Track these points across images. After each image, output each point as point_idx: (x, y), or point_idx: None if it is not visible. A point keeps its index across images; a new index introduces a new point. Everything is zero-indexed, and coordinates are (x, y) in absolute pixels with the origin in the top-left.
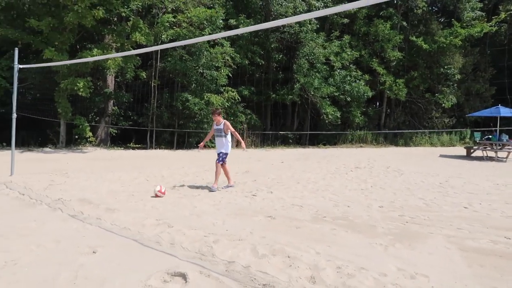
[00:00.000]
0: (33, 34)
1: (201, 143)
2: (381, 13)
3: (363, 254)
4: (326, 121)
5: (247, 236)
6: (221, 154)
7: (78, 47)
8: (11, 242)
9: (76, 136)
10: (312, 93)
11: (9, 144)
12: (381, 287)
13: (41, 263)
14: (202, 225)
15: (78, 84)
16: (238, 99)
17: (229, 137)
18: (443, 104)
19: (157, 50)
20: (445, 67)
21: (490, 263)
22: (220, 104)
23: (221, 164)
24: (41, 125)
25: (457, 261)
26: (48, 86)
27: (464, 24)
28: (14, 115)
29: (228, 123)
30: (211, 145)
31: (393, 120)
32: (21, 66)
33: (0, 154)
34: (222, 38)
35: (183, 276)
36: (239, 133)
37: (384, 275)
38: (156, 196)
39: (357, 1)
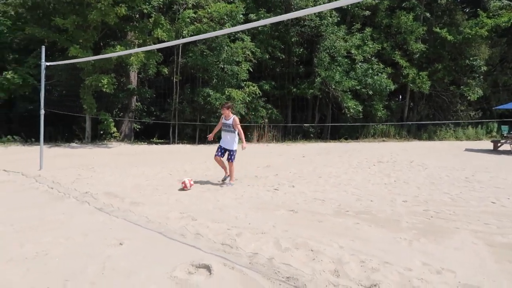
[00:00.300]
0: (58, 32)
1: (210, 135)
2: (404, 4)
3: (387, 249)
4: (348, 115)
5: (269, 229)
6: (232, 153)
7: (101, 44)
8: (42, 234)
9: (101, 132)
10: (334, 87)
11: (37, 140)
12: (407, 281)
13: (70, 255)
14: (225, 218)
15: (102, 81)
16: (259, 93)
17: (237, 133)
18: (469, 97)
19: (178, 46)
20: (471, 58)
21: None
22: (241, 98)
23: (232, 162)
24: (67, 121)
25: (485, 257)
26: (73, 82)
27: (491, 14)
28: (42, 112)
29: (237, 119)
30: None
31: (416, 114)
32: (47, 64)
33: (29, 149)
34: (242, 32)
35: (208, 268)
36: (260, 127)
37: (409, 269)
38: (184, 186)
39: None
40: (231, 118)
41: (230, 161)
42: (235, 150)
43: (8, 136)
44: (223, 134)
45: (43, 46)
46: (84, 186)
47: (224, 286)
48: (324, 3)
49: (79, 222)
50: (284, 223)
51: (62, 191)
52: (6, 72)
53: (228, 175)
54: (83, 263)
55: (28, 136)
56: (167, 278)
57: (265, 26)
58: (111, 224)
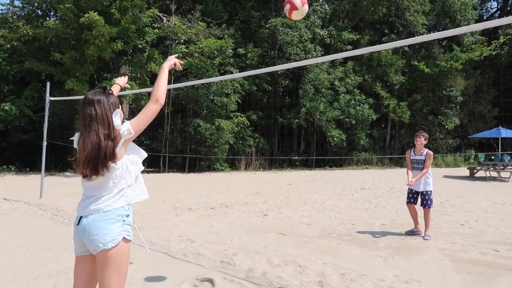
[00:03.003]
0: (55, 66)
1: (411, 181)
2: (383, 38)
3: (365, 264)
4: (332, 144)
5: (262, 249)
6: (428, 195)
7: (95, 76)
8: (59, 254)
9: None
10: (318, 116)
11: (32, 169)
12: None
13: None
14: (221, 240)
15: None
16: (247, 123)
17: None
18: (446, 126)
19: (170, 79)
20: (447, 89)
21: (477, 271)
22: (230, 128)
23: (429, 208)
24: (61, 151)
25: (448, 270)
26: (68, 113)
27: (464, 48)
28: (45, 143)
29: (431, 153)
30: (220, 168)
31: (398, 142)
32: (52, 99)
33: (25, 178)
34: (231, 66)
35: (211, 281)
36: (248, 156)
37: (382, 280)
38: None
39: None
40: (424, 152)
41: (427, 207)
42: (431, 192)
43: (4, 166)
44: (415, 174)
45: (48, 82)
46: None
47: None
48: (308, 38)
49: None
50: (274, 244)
51: (67, 218)
52: (4, 104)
53: (419, 231)
54: None
55: (21, 165)
56: None
57: (253, 59)
58: None
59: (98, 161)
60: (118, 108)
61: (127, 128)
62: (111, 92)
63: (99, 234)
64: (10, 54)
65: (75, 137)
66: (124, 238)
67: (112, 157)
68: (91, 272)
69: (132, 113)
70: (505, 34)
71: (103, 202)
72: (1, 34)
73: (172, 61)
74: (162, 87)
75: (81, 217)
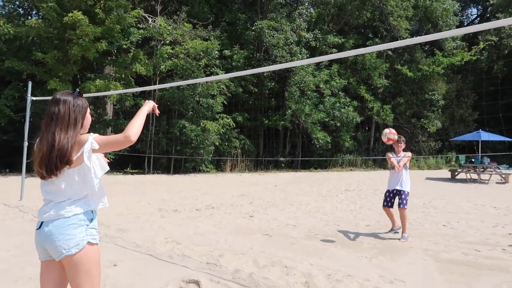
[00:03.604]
0: (36, 65)
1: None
2: (368, 42)
3: (350, 265)
4: (317, 146)
5: (248, 251)
6: (405, 195)
7: (78, 76)
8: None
9: None
10: (303, 119)
11: (11, 171)
12: None
13: None
14: (207, 242)
15: None
16: (232, 125)
17: (408, 171)
18: (428, 129)
19: (156, 80)
20: (429, 93)
21: (459, 271)
22: (215, 130)
23: (405, 208)
24: None
25: (431, 270)
26: None
27: (446, 53)
28: (26, 143)
29: (409, 153)
30: (206, 169)
31: (381, 144)
32: (34, 99)
33: (5, 180)
34: (217, 68)
35: (197, 283)
36: (233, 158)
37: (368, 280)
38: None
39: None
40: (402, 154)
41: (402, 206)
42: (408, 193)
43: None
44: (393, 174)
45: (30, 82)
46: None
47: None
48: (293, 41)
49: None
50: (260, 245)
51: None
52: None
53: (399, 227)
54: None
55: (1, 166)
56: None
57: (239, 61)
58: (101, 248)
59: (51, 162)
60: (86, 111)
61: (90, 141)
62: (80, 95)
63: (61, 240)
64: None
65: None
66: (89, 242)
67: (67, 161)
68: (58, 278)
69: (116, 114)
70: (485, 40)
71: (63, 208)
72: None
73: (151, 105)
74: (136, 127)
75: (42, 222)
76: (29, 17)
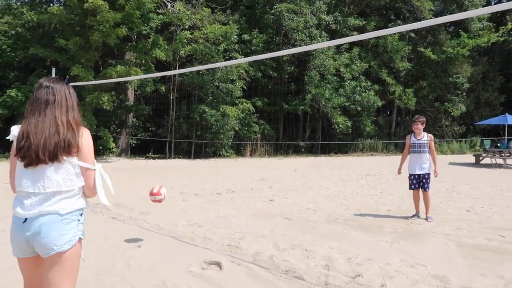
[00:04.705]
0: (59, 52)
1: (399, 168)
2: (390, 24)
3: (371, 249)
4: (338, 130)
5: (268, 234)
6: (427, 179)
7: (100, 62)
8: None
9: (100, 147)
10: (323, 103)
11: None
12: (385, 273)
13: (98, 255)
14: (228, 225)
15: (103, 99)
16: (252, 110)
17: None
18: (452, 113)
19: (175, 65)
20: (454, 76)
21: (483, 256)
22: (235, 115)
23: (428, 190)
24: None
25: (453, 255)
26: None
27: (472, 35)
28: None
29: (431, 135)
30: (226, 154)
31: (403, 129)
32: None
33: None
34: (236, 52)
35: (218, 264)
36: (253, 142)
37: (388, 264)
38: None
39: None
40: (425, 135)
41: (427, 189)
42: (430, 175)
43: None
44: (412, 157)
45: (53, 68)
46: (94, 198)
47: (233, 278)
48: (313, 24)
49: (97, 228)
50: (281, 229)
51: None
52: (9, 90)
53: (419, 212)
54: (111, 262)
55: None
56: (184, 272)
57: (258, 46)
58: (126, 230)
59: (57, 146)
60: (76, 100)
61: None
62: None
63: (53, 237)
64: (14, 41)
65: (14, 128)
66: (79, 238)
67: (72, 148)
68: (42, 275)
69: (137, 100)
70: None
71: (56, 202)
72: (5, 21)
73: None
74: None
75: (26, 218)
76: (51, 4)
